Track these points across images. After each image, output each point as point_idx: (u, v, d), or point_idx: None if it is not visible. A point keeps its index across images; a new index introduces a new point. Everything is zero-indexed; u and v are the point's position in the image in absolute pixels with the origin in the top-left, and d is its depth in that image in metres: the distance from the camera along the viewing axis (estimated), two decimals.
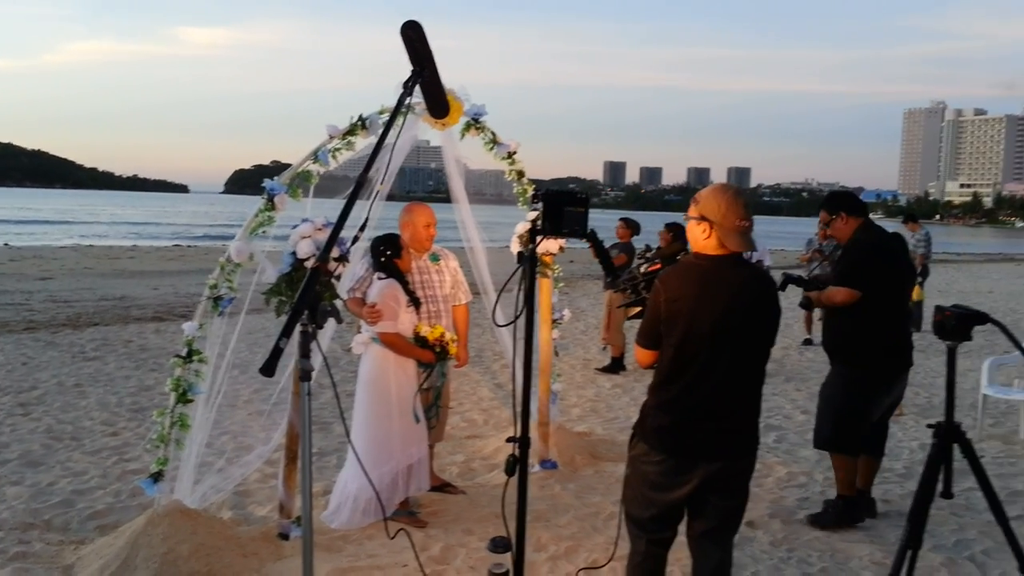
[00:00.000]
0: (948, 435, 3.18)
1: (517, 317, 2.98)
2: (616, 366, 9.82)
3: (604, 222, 10.83)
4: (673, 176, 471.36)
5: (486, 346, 10.63)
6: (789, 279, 5.13)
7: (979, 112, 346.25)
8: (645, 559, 3.31)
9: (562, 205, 2.98)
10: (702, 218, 3.15)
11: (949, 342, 3.21)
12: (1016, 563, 3.09)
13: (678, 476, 3.15)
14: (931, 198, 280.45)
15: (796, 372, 10.14)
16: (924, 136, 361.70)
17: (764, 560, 4.46)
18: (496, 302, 3.53)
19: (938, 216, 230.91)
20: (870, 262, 4.92)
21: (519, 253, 3.10)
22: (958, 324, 3.19)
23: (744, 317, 3.10)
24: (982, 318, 3.19)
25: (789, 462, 6.30)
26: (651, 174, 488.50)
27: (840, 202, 5.15)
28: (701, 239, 3.17)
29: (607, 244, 10.48)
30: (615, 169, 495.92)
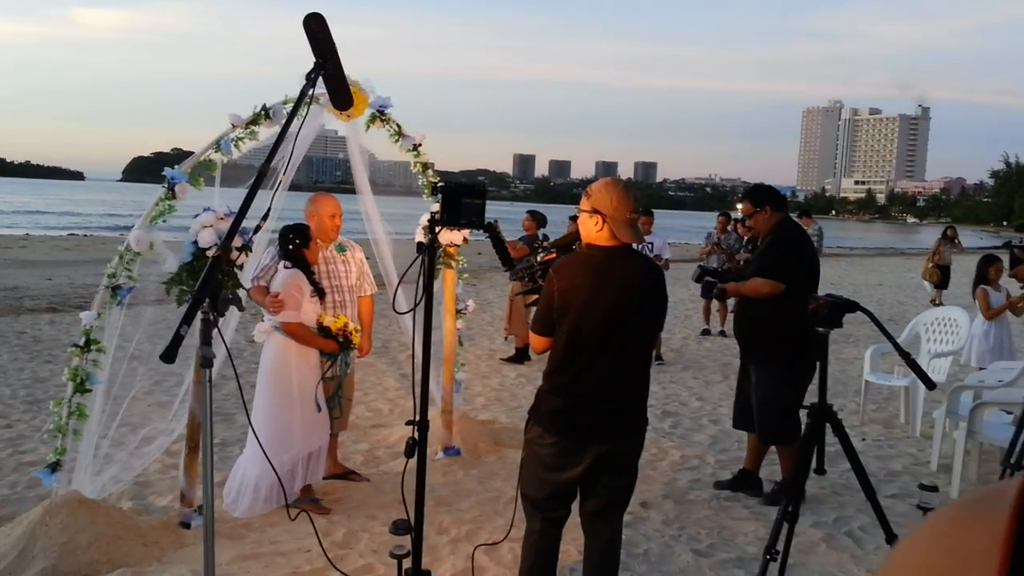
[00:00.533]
0: (821, 415, 3.42)
1: (416, 304, 3.07)
2: (520, 356, 10.00)
3: (513, 215, 10.96)
4: (582, 170, 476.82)
5: (392, 337, 10.66)
6: (705, 271, 5.34)
7: (874, 111, 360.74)
8: (540, 537, 3.46)
9: (460, 196, 3.08)
10: (594, 211, 3.31)
11: (822, 329, 3.46)
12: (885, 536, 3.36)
13: (571, 457, 3.31)
14: (827, 194, 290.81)
15: (694, 361, 10.51)
16: (822, 134, 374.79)
17: (656, 538, 4.67)
18: (396, 289, 3.61)
19: (834, 212, 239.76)
20: (795, 257, 5.16)
21: (418, 243, 3.19)
22: (830, 312, 3.43)
23: (633, 306, 3.27)
24: (852, 306, 3.44)
25: (683, 446, 6.57)
26: (560, 167, 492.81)
27: (766, 196, 5.33)
28: (594, 231, 3.32)
29: (515, 237, 10.67)
30: (524, 162, 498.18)
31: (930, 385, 3.37)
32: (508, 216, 19.17)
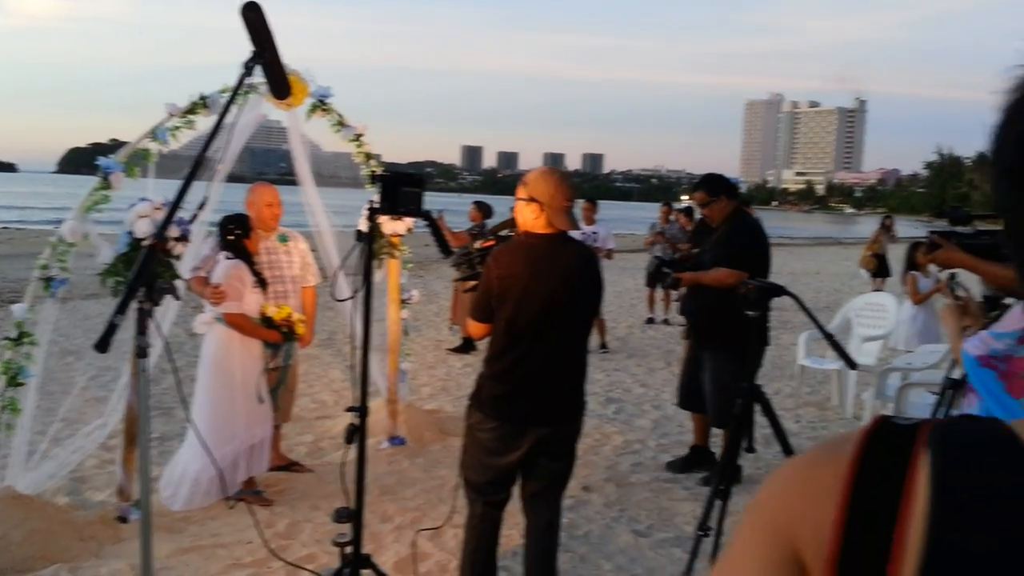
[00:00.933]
0: (750, 396, 3.53)
1: (356, 293, 3.10)
2: (467, 346, 10.04)
3: (462, 206, 11.01)
4: (529, 161, 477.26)
5: (339, 329, 10.61)
6: (662, 262, 5.44)
7: (813, 104, 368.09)
8: (482, 520, 3.51)
9: (399, 185, 3.11)
10: (531, 199, 3.36)
11: (752, 312, 3.57)
12: None
13: (511, 441, 3.37)
14: (769, 185, 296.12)
15: (638, 349, 10.66)
16: (763, 126, 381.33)
17: (598, 520, 4.76)
18: (335, 276, 3.63)
19: (776, 202, 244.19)
20: (755, 246, 5.25)
21: (357, 231, 3.21)
22: (759, 296, 3.55)
23: (570, 292, 3.34)
24: (779, 290, 3.57)
25: (626, 431, 6.68)
26: (508, 159, 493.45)
27: (721, 186, 5.40)
28: (531, 219, 3.38)
29: (462, 228, 10.69)
30: (472, 153, 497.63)
31: (852, 365, 3.50)
32: (456, 207, 19.16)
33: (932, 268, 7.88)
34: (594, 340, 10.19)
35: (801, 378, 7.94)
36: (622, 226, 35.72)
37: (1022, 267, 0.65)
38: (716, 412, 5.40)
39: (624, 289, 16.01)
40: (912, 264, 7.82)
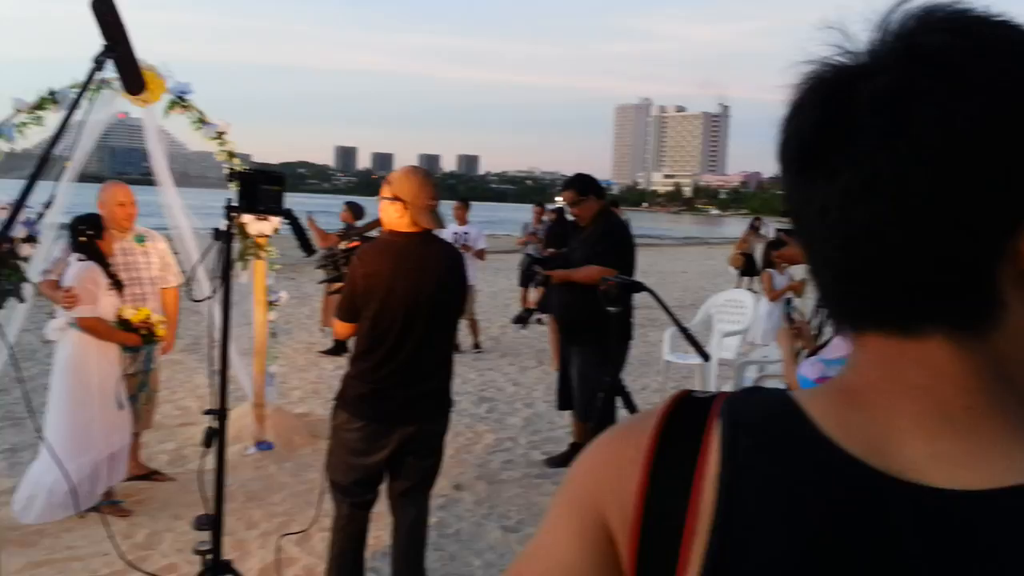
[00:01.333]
0: (612, 391, 3.65)
1: (214, 293, 3.03)
2: (338, 348, 9.90)
3: (335, 207, 10.88)
4: (405, 162, 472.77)
5: (204, 333, 10.29)
6: (533, 260, 5.51)
7: (680, 109, 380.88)
8: (349, 522, 3.50)
9: (257, 183, 3.07)
10: (395, 198, 3.38)
11: (612, 308, 3.69)
12: None
13: (377, 440, 3.37)
14: (639, 187, 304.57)
15: (511, 348, 10.79)
16: (634, 129, 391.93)
17: (468, 518, 4.81)
18: (191, 277, 3.54)
19: (646, 204, 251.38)
20: (628, 245, 5.40)
21: (215, 230, 3.15)
22: (619, 292, 3.68)
23: (434, 290, 3.37)
24: (639, 287, 3.70)
25: (498, 429, 6.76)
26: (383, 160, 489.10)
27: (590, 185, 5.53)
28: (395, 218, 3.39)
29: (335, 229, 10.55)
30: (346, 154, 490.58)
31: (706, 357, 3.67)
32: (329, 208, 18.86)
33: (785, 266, 8.33)
34: (468, 340, 10.28)
35: (667, 373, 8.22)
36: (497, 227, 35.99)
37: (807, 254, 0.69)
38: (581, 406, 5.54)
39: (499, 289, 16.15)
40: (768, 262, 8.22)
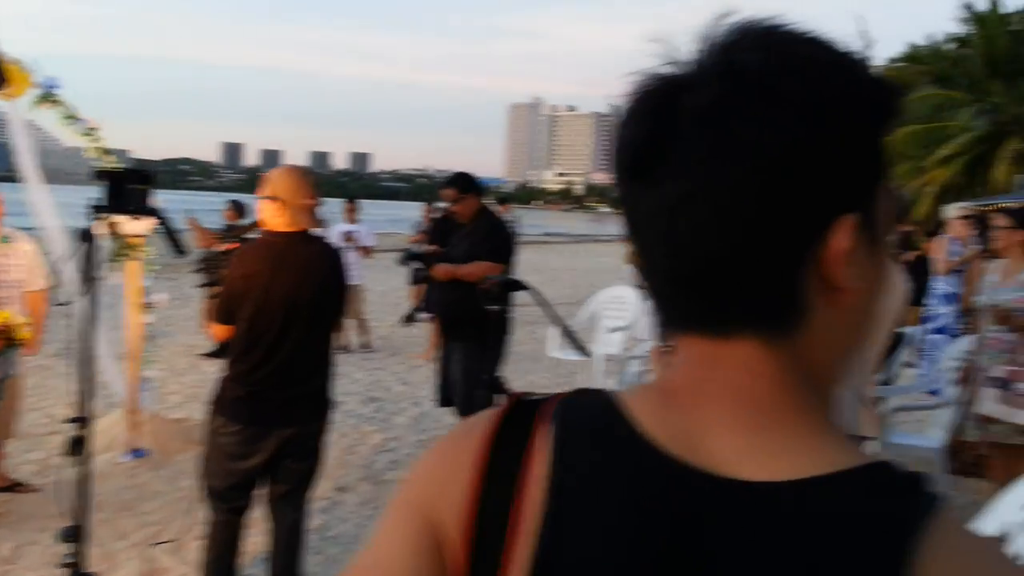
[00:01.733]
0: (491, 388, 3.68)
1: (80, 295, 2.91)
2: (221, 351, 9.64)
3: (220, 205, 10.58)
4: (294, 159, 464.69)
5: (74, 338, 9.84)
6: (411, 255, 5.46)
7: (571, 108, 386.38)
8: (224, 528, 3.41)
9: (123, 183, 2.96)
10: (274, 197, 3.31)
11: (495, 307, 3.72)
12: None
13: (255, 444, 3.30)
14: (531, 185, 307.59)
15: (401, 347, 10.71)
16: (526, 128, 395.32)
17: (351, 520, 4.75)
18: (57, 279, 3.38)
19: (540, 201, 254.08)
20: (512, 240, 5.51)
21: (81, 230, 3.02)
22: (500, 290, 3.71)
23: (313, 290, 3.31)
24: (519, 285, 3.74)
25: (384, 429, 6.70)
26: (271, 157, 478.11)
27: (471, 183, 5.54)
28: (274, 217, 3.32)
29: (219, 227, 10.25)
30: (233, 151, 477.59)
31: (585, 353, 3.74)
32: (214, 207, 18.32)
33: None
34: (357, 340, 10.16)
35: (555, 370, 8.33)
36: (389, 225, 35.64)
37: (640, 259, 0.70)
38: (462, 402, 5.57)
39: (389, 288, 16.00)
40: None
